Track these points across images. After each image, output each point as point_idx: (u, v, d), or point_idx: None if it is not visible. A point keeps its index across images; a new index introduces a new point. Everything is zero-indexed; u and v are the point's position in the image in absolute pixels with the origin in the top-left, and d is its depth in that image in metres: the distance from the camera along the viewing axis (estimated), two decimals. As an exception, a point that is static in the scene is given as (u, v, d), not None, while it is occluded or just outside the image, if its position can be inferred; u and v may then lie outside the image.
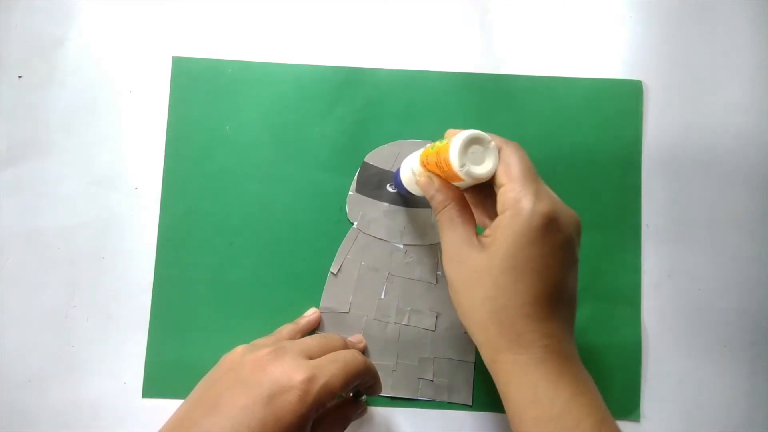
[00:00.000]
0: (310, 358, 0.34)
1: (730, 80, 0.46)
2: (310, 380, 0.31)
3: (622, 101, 0.45)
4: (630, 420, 0.42)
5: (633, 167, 0.45)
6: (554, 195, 0.31)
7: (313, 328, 0.42)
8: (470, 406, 0.42)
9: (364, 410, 0.40)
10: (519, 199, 0.30)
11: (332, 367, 0.33)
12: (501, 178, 0.31)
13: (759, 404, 0.43)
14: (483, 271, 0.31)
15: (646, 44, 0.46)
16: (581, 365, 0.32)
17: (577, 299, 0.33)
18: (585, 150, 0.45)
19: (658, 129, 0.45)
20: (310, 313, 0.42)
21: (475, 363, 0.43)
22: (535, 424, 0.30)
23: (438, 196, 0.34)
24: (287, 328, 0.41)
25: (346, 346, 0.38)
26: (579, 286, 0.43)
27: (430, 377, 0.42)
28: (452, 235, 0.33)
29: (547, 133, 0.45)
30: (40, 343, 0.42)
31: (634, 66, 0.46)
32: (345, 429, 0.38)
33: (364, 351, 0.42)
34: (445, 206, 0.34)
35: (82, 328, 0.43)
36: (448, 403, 0.42)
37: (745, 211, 0.44)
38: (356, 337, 0.42)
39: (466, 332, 0.42)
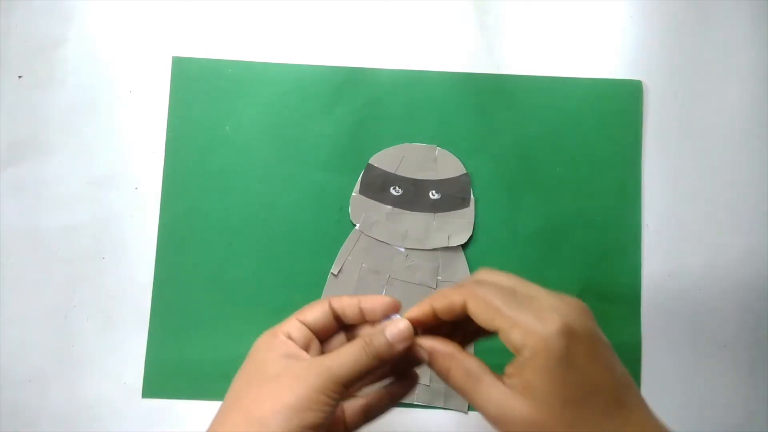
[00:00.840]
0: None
1: (730, 80, 0.46)
2: None
3: (622, 101, 0.45)
4: (630, 420, 0.42)
5: (633, 167, 0.45)
6: (546, 295, 0.28)
7: None
8: (465, 413, 0.42)
9: (414, 382, 0.34)
10: (527, 324, 0.26)
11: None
12: (487, 320, 0.27)
13: (759, 404, 0.43)
14: (540, 421, 0.26)
15: (646, 44, 0.46)
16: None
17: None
18: (585, 150, 0.45)
19: (658, 129, 0.45)
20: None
21: None
22: None
23: (437, 358, 0.30)
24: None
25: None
26: (579, 285, 0.43)
27: (427, 382, 0.42)
28: (480, 390, 0.28)
29: (547, 132, 0.45)
30: (40, 343, 0.42)
31: (634, 66, 0.46)
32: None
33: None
34: (451, 364, 0.29)
35: (82, 328, 0.43)
36: (444, 408, 0.42)
37: (744, 212, 0.44)
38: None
39: None
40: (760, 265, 0.44)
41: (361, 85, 0.45)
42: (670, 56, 0.46)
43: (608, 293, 0.44)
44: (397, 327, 0.30)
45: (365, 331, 0.32)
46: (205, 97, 0.45)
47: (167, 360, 0.42)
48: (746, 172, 0.45)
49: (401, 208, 0.43)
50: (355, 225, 0.44)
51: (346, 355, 0.29)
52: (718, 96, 0.46)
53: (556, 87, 0.45)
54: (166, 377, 0.42)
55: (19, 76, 0.45)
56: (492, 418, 0.27)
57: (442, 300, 0.30)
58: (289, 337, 0.30)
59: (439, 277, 0.43)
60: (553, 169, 0.44)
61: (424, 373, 0.42)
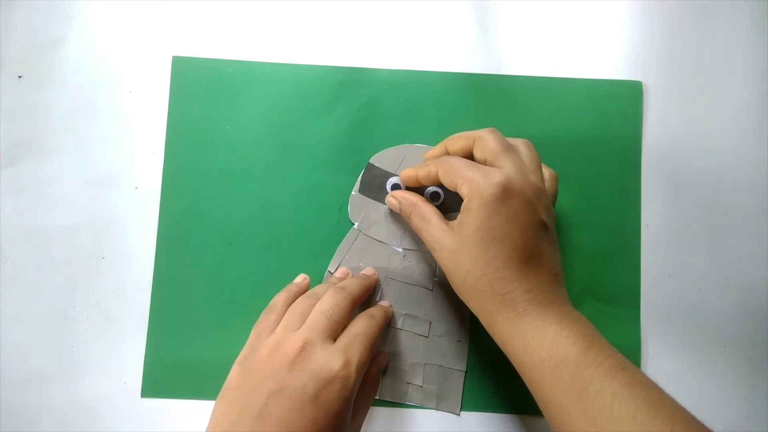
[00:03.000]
0: (333, 335, 0.35)
1: (730, 81, 0.46)
2: (346, 365, 0.33)
3: (621, 102, 0.45)
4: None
5: (633, 167, 0.45)
6: (516, 164, 0.34)
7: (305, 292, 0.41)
8: (458, 416, 0.42)
9: (386, 358, 0.42)
10: (474, 178, 0.34)
11: (358, 344, 0.35)
12: (451, 183, 0.35)
13: (758, 404, 0.43)
14: (458, 251, 0.34)
15: (645, 45, 0.46)
16: (569, 308, 0.34)
17: (559, 251, 0.36)
18: (584, 150, 0.45)
19: (658, 129, 0.45)
20: (300, 279, 0.42)
21: (465, 372, 0.42)
22: (532, 370, 0.32)
23: (404, 204, 0.39)
24: (282, 299, 0.39)
25: (353, 301, 0.38)
26: (579, 285, 0.43)
27: (420, 383, 0.42)
28: (428, 229, 0.36)
29: (546, 133, 0.45)
30: (40, 343, 0.42)
31: (633, 66, 0.46)
32: (377, 386, 0.41)
33: (376, 282, 0.42)
34: (412, 210, 0.38)
35: (82, 328, 0.43)
36: (436, 410, 0.42)
37: (744, 212, 0.44)
38: (369, 270, 0.42)
39: (458, 340, 0.42)
40: (760, 265, 0.44)
41: (360, 85, 0.45)
42: (670, 57, 0.46)
43: (608, 293, 0.44)
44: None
45: None
46: (205, 97, 0.45)
47: (167, 360, 0.42)
48: (746, 172, 0.45)
49: None
50: (353, 224, 0.44)
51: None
52: (718, 96, 0.46)
53: (556, 87, 0.45)
54: (165, 377, 0.42)
55: (19, 76, 0.45)
56: (429, 247, 0.36)
57: (423, 169, 0.38)
58: None
59: (436, 278, 0.43)
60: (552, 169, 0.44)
61: (416, 374, 0.42)
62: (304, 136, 0.45)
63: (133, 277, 0.43)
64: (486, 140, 0.36)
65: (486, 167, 0.35)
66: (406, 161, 0.44)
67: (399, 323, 0.43)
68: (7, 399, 0.42)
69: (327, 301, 0.37)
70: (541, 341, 0.32)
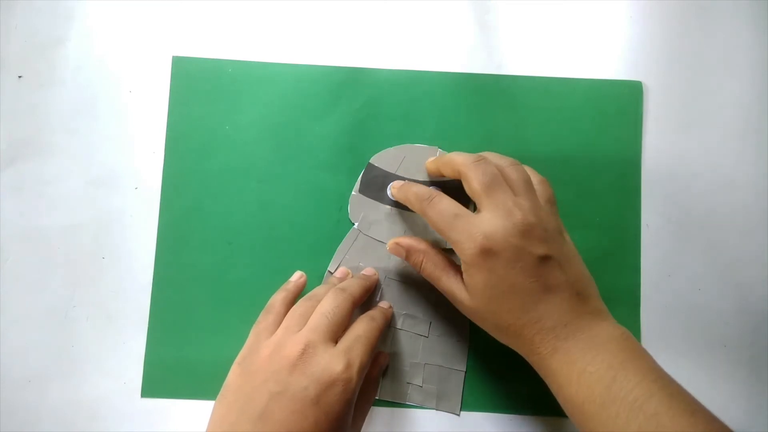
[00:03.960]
0: (334, 337, 0.35)
1: (730, 80, 0.46)
2: (347, 368, 0.33)
3: (622, 102, 0.45)
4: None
5: (633, 167, 0.45)
6: (498, 205, 0.34)
7: (302, 291, 0.41)
8: (458, 416, 0.42)
9: (386, 359, 0.42)
10: (457, 242, 0.35)
11: (359, 346, 0.35)
12: (443, 235, 0.36)
13: (758, 404, 0.43)
14: (477, 310, 0.35)
15: (645, 45, 0.46)
16: (598, 329, 0.34)
17: (578, 260, 0.37)
18: (585, 150, 0.45)
19: (658, 129, 0.45)
20: (297, 277, 0.42)
21: (465, 372, 0.42)
22: (566, 405, 0.33)
23: (412, 253, 0.39)
24: (280, 299, 0.39)
25: (354, 302, 0.38)
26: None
27: (420, 383, 0.42)
28: (444, 280, 0.37)
29: (547, 133, 0.45)
30: (40, 343, 0.42)
31: (633, 66, 0.46)
32: (378, 387, 0.41)
33: (376, 283, 0.42)
34: (423, 258, 0.38)
35: (82, 328, 0.43)
36: (436, 410, 0.42)
37: (744, 212, 0.44)
38: (369, 270, 0.43)
39: (458, 341, 0.42)
40: (760, 265, 0.44)
41: (360, 85, 0.45)
42: (670, 57, 0.46)
43: (608, 293, 0.43)
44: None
45: None
46: (205, 97, 0.45)
47: (167, 359, 0.42)
48: (746, 172, 0.45)
49: (401, 208, 0.43)
50: (353, 224, 0.44)
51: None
52: (718, 96, 0.46)
53: (556, 87, 0.45)
54: (165, 377, 0.42)
55: (19, 76, 0.45)
56: (452, 301, 0.37)
57: (416, 206, 0.38)
58: None
59: None
60: (552, 170, 0.44)
61: (416, 375, 0.42)
62: (304, 136, 0.45)
63: (133, 277, 0.43)
64: (469, 180, 0.36)
65: (466, 222, 0.35)
66: (406, 161, 0.44)
67: (399, 323, 0.43)
68: (7, 399, 0.42)
69: (328, 303, 0.36)
70: (569, 380, 0.32)
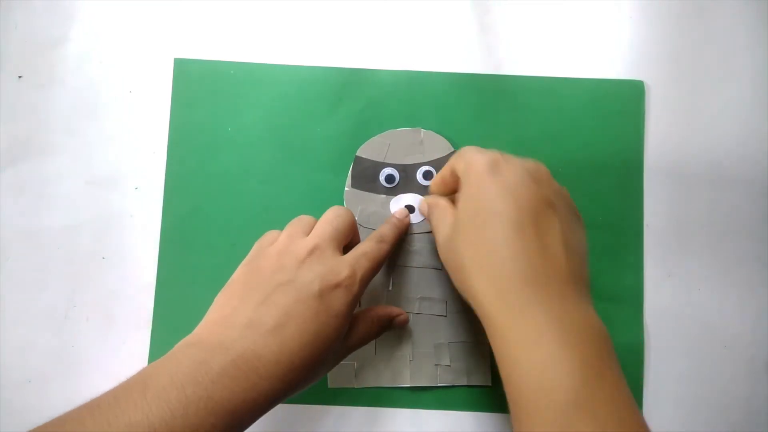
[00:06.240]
0: (339, 246, 0.36)
1: (732, 80, 0.46)
2: (351, 275, 0.34)
3: (623, 101, 0.45)
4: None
5: (634, 167, 0.45)
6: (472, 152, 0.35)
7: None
8: (491, 387, 0.42)
9: (406, 318, 0.42)
10: (465, 164, 0.35)
11: (365, 261, 0.35)
12: (451, 162, 0.37)
13: (759, 404, 0.43)
14: (453, 238, 0.34)
15: (647, 44, 0.46)
16: (583, 311, 0.31)
17: (585, 250, 0.34)
18: (586, 150, 0.45)
19: (660, 129, 0.45)
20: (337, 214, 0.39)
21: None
22: (515, 405, 0.29)
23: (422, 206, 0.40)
24: (305, 222, 0.38)
25: (353, 221, 0.38)
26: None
27: (447, 362, 0.42)
28: (435, 212, 0.37)
29: (548, 133, 0.45)
30: (40, 343, 0.42)
31: (635, 66, 0.46)
32: (380, 333, 0.40)
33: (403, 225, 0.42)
34: (428, 204, 0.39)
35: (82, 328, 0.43)
36: (468, 386, 0.42)
37: (745, 212, 0.45)
38: (400, 213, 0.43)
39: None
40: (761, 266, 0.44)
41: (362, 86, 0.45)
42: (671, 56, 0.46)
43: (610, 293, 0.44)
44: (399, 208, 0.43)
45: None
46: (207, 99, 0.45)
47: (168, 360, 0.42)
48: (748, 172, 0.45)
49: (395, 194, 0.44)
50: None
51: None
52: (719, 96, 0.46)
53: (557, 87, 0.45)
54: (166, 377, 0.42)
55: (19, 76, 0.45)
56: (436, 243, 0.37)
57: (437, 178, 0.39)
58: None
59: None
60: (554, 170, 0.44)
61: (443, 355, 0.42)
62: (306, 138, 0.44)
63: (134, 277, 0.43)
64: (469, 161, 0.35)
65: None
66: (392, 147, 0.44)
67: (416, 308, 0.43)
68: (7, 399, 0.42)
69: (330, 213, 0.37)
70: (531, 361, 0.27)
